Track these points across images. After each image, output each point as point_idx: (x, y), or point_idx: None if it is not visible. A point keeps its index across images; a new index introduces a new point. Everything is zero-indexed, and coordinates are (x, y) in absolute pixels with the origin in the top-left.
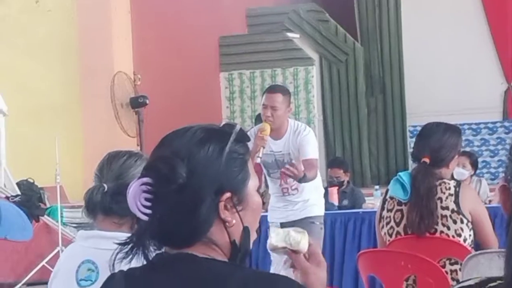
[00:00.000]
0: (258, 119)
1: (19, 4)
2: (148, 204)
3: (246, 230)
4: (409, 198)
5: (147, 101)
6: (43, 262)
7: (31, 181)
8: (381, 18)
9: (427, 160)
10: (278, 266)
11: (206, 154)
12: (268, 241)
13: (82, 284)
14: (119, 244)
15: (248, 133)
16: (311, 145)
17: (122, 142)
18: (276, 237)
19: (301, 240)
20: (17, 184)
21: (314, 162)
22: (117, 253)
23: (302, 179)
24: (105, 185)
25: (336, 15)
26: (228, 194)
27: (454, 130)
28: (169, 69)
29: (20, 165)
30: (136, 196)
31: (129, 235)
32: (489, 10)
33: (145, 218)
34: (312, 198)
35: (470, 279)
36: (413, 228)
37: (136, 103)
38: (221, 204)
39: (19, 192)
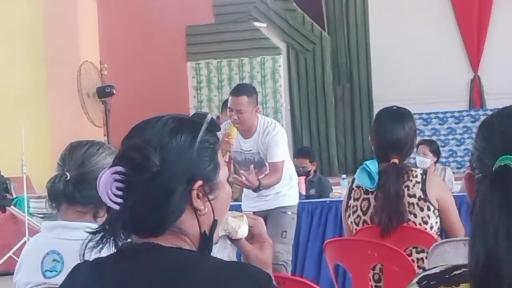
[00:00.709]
0: (224, 105)
1: None
2: (120, 193)
3: (215, 222)
4: (376, 187)
5: (114, 91)
6: (10, 253)
7: None
8: (348, 7)
9: (396, 160)
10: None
11: (178, 143)
12: None
13: (48, 275)
14: (90, 233)
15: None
16: (279, 146)
17: (89, 132)
18: None
19: (240, 226)
20: None
21: (279, 166)
22: (88, 242)
23: (257, 189)
24: (67, 173)
25: (303, 4)
26: (200, 182)
27: (408, 116)
28: (136, 58)
29: None
30: (108, 185)
31: (92, 224)
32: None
33: (116, 207)
34: (284, 190)
35: (435, 267)
36: (382, 227)
37: (103, 93)
38: (194, 192)
39: None
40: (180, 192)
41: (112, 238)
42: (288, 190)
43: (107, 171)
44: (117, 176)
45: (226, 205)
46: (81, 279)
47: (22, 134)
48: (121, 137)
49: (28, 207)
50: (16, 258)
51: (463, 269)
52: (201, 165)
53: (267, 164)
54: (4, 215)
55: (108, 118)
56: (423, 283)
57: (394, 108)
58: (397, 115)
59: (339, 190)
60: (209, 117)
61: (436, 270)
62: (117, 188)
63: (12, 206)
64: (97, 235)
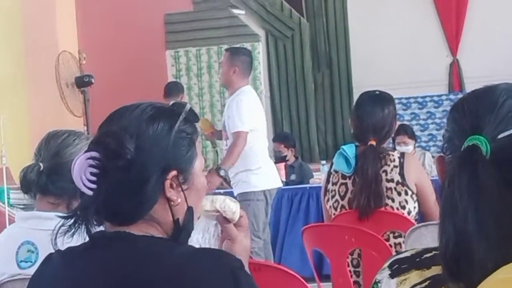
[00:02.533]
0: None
1: None
2: (94, 178)
3: (190, 210)
4: (353, 171)
5: (93, 80)
6: None
7: None
8: None
9: (373, 143)
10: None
11: (155, 131)
12: (203, 205)
13: (22, 266)
14: (62, 217)
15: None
16: (241, 113)
17: (68, 122)
18: (212, 203)
19: (236, 210)
20: None
21: (239, 136)
22: (60, 227)
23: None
24: (40, 164)
25: None
26: (174, 172)
27: (389, 100)
28: (114, 47)
29: None
30: (82, 170)
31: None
32: None
33: (89, 192)
34: (240, 175)
35: (406, 251)
36: (361, 210)
37: (82, 83)
38: (167, 182)
39: None
40: (154, 181)
41: (84, 224)
42: (245, 176)
43: (82, 155)
44: (91, 162)
45: (200, 195)
46: (52, 269)
47: (0, 125)
48: None
49: (8, 198)
50: None
51: (434, 252)
52: (176, 155)
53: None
54: None
55: (87, 108)
56: (394, 267)
57: (376, 92)
58: (378, 98)
59: (320, 176)
60: (188, 107)
61: (407, 254)
62: (92, 174)
63: None
64: (69, 220)
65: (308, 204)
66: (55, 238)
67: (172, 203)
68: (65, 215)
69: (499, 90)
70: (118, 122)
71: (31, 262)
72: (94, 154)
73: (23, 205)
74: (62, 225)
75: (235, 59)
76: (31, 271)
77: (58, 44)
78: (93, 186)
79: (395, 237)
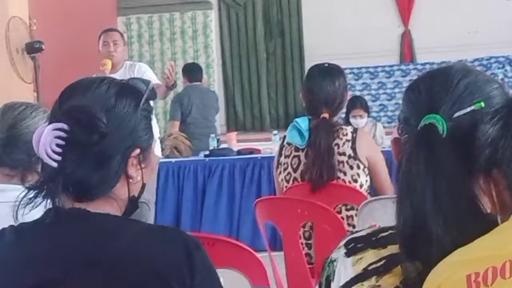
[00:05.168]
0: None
1: None
2: (59, 150)
3: (143, 187)
4: (306, 144)
5: (43, 47)
6: None
7: None
8: None
9: (326, 115)
10: None
11: (123, 108)
12: None
13: None
14: (28, 188)
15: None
16: (152, 73)
17: (18, 89)
18: None
19: None
20: None
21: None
22: (22, 199)
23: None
24: None
25: None
26: (137, 151)
27: (339, 72)
28: (65, 13)
29: None
30: (47, 141)
31: (18, 186)
32: None
33: (53, 164)
34: None
35: (362, 230)
36: (313, 182)
37: (32, 49)
38: (131, 160)
39: None
40: (120, 157)
41: (50, 197)
42: None
43: (48, 126)
44: (58, 133)
45: (154, 173)
46: (5, 245)
47: None
48: (52, 94)
49: None
50: None
51: (390, 231)
52: (140, 133)
53: None
54: None
55: (37, 74)
56: (350, 245)
57: (326, 64)
58: (328, 71)
59: (271, 146)
60: (151, 85)
61: (363, 233)
62: (57, 146)
63: None
64: (31, 192)
65: (260, 175)
66: (17, 211)
67: (131, 180)
68: (29, 186)
69: (454, 70)
70: (84, 96)
71: None
72: (62, 125)
73: None
74: (25, 196)
75: (124, 39)
76: None
77: (8, 10)
78: (58, 158)
79: (347, 210)
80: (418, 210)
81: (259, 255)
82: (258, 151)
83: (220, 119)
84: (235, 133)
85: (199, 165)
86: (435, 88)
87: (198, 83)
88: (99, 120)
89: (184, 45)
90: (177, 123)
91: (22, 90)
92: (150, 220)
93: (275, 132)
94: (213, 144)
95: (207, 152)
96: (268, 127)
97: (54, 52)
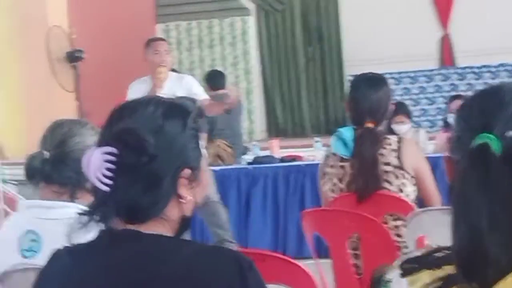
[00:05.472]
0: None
1: None
2: (110, 174)
3: (195, 206)
4: (351, 154)
5: (83, 55)
6: None
7: None
8: None
9: (370, 125)
10: None
11: (171, 128)
12: None
13: (25, 255)
14: (82, 213)
15: (140, 82)
16: (199, 86)
17: (60, 98)
18: None
19: None
20: None
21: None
22: (76, 223)
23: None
24: (45, 152)
25: None
26: (188, 171)
27: (383, 82)
28: (105, 22)
29: None
30: (98, 166)
31: (67, 203)
32: None
33: (105, 188)
34: None
35: (416, 251)
36: (359, 193)
37: (73, 58)
38: (181, 180)
39: None
40: (170, 178)
41: (103, 221)
42: None
43: (97, 150)
44: (108, 157)
45: (206, 190)
46: (60, 267)
47: None
48: (93, 102)
49: (2, 174)
50: None
51: (446, 251)
52: (190, 153)
53: None
54: None
55: (78, 83)
56: (405, 266)
57: (370, 74)
58: (372, 80)
59: (313, 153)
60: (198, 103)
61: (418, 253)
62: (107, 170)
63: None
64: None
65: (303, 183)
66: (71, 233)
67: (182, 200)
68: (84, 210)
69: (506, 88)
70: (132, 118)
71: (34, 251)
72: (111, 149)
73: (17, 180)
74: (80, 219)
75: None
76: (35, 260)
77: (48, 19)
78: (109, 182)
79: (393, 220)
80: (474, 230)
81: (304, 262)
82: (300, 158)
83: (260, 125)
84: (278, 140)
85: (242, 173)
86: (488, 106)
87: (221, 91)
88: (147, 143)
89: (223, 52)
90: (204, 135)
91: (64, 99)
92: (224, 217)
93: (317, 139)
94: (255, 151)
95: (250, 160)
96: (308, 132)
97: (94, 60)
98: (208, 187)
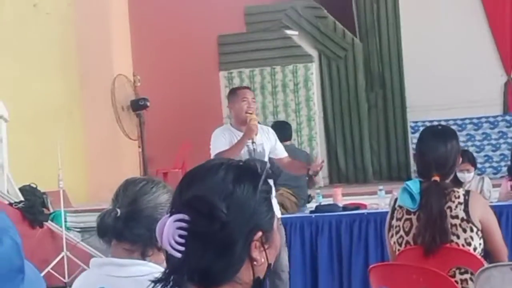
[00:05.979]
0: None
1: (16, 8)
2: (182, 241)
3: (269, 267)
4: (418, 207)
5: (148, 104)
6: (48, 268)
7: (34, 186)
8: (379, 12)
9: (437, 178)
10: None
11: (242, 193)
12: None
13: None
14: (153, 281)
15: (223, 130)
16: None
17: (124, 145)
18: None
19: None
20: (20, 189)
21: None
22: None
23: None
24: (118, 209)
25: (334, 11)
26: (260, 233)
27: (452, 135)
28: (168, 70)
29: (22, 171)
30: (170, 233)
31: (139, 261)
32: (486, 1)
33: (178, 255)
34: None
35: None
36: (426, 246)
37: (137, 106)
38: (254, 243)
39: (22, 198)
40: (242, 242)
41: (175, 287)
42: None
43: (169, 218)
44: (180, 224)
45: (277, 251)
46: None
47: (58, 149)
48: (156, 150)
49: (65, 221)
50: (55, 273)
51: None
52: (261, 216)
53: (266, 157)
54: (42, 230)
55: (142, 130)
56: None
57: (439, 126)
58: (440, 133)
59: (376, 201)
60: (268, 165)
61: None
62: (180, 236)
63: (49, 221)
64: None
65: (367, 231)
66: None
67: (255, 263)
68: (158, 278)
69: None
70: (203, 184)
71: None
72: (183, 216)
73: (80, 228)
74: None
75: None
76: None
77: (113, 68)
78: (182, 248)
79: (461, 273)
80: None
81: None
82: (364, 206)
83: (322, 171)
84: (340, 188)
85: (306, 221)
86: None
87: (288, 142)
88: (218, 210)
89: (285, 98)
90: None
91: (127, 146)
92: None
93: (380, 187)
94: (318, 199)
95: (313, 208)
96: (370, 178)
97: (158, 108)
98: (279, 248)
